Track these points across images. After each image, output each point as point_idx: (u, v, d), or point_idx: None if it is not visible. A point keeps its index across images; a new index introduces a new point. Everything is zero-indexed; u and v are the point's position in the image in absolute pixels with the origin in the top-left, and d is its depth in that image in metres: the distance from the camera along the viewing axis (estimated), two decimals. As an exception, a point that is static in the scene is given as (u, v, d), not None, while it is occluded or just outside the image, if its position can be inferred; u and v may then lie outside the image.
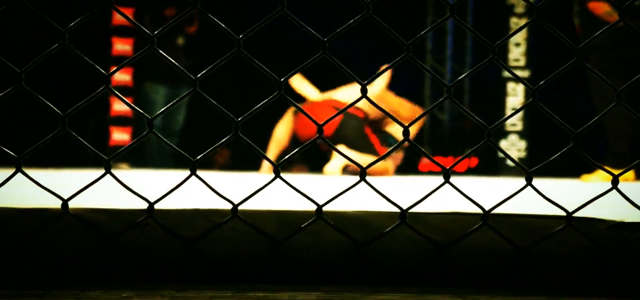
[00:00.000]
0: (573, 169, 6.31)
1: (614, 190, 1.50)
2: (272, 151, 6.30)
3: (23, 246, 1.35)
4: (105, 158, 1.35)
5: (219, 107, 1.42)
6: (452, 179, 1.46)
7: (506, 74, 8.07)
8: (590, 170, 5.88)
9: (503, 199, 1.47)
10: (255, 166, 6.39)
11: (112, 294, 1.23)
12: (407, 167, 7.11)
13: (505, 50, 7.98)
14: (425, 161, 8.22)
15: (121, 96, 1.49)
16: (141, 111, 1.50)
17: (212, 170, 6.19)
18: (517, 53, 8.07)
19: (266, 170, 6.03)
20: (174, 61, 1.43)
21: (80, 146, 1.41)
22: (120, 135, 7.75)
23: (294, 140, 6.31)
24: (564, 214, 1.46)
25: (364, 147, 6.14)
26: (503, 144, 8.01)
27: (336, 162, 6.13)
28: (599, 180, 5.67)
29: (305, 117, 6.74)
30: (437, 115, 9.23)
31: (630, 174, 5.64)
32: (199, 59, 6.90)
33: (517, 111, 1.60)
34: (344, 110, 1.61)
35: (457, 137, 8.87)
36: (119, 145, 7.55)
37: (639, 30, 1.53)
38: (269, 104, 1.42)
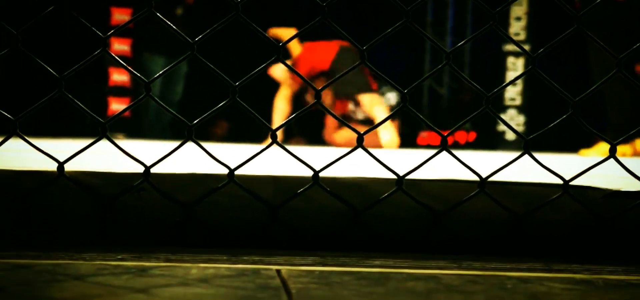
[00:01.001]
0: (572, 143, 6.31)
1: (611, 163, 1.50)
2: (275, 122, 6.30)
3: (19, 208, 1.35)
4: (102, 121, 1.35)
5: (217, 71, 1.41)
6: (452, 151, 1.45)
7: (506, 47, 8.05)
8: (589, 144, 5.90)
9: (500, 166, 1.47)
10: (254, 138, 6.38)
11: (107, 256, 1.23)
12: (406, 141, 7.11)
13: (506, 24, 7.96)
14: (423, 135, 8.21)
15: (119, 60, 1.48)
16: (139, 75, 1.49)
17: (211, 142, 6.18)
18: (517, 27, 8.04)
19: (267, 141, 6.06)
20: (170, 24, 1.42)
21: (78, 116, 1.41)
22: (118, 106, 7.74)
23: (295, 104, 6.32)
24: (561, 182, 1.45)
25: (358, 81, 6.18)
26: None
27: (388, 134, 6.17)
28: (597, 155, 5.70)
29: (306, 53, 6.70)
30: (437, 89, 9.21)
31: (629, 149, 5.68)
32: (197, 29, 6.88)
33: (517, 78, 1.59)
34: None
35: (456, 111, 8.86)
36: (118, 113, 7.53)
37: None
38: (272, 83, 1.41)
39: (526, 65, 7.68)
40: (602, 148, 5.85)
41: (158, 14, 1.39)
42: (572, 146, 6.30)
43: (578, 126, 1.52)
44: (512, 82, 1.54)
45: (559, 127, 1.53)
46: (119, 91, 7.79)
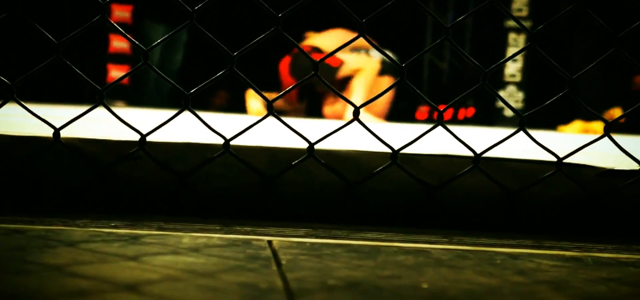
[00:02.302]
0: (566, 120, 6.33)
1: (606, 141, 1.50)
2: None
3: (14, 173, 1.35)
4: (99, 88, 1.35)
5: (215, 40, 1.41)
6: (449, 127, 1.46)
7: (508, 23, 8.03)
8: (567, 121, 6.03)
9: (495, 142, 1.47)
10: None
11: (101, 223, 1.24)
12: (404, 115, 7.11)
13: (508, 0, 7.94)
14: (422, 109, 8.21)
15: (118, 27, 1.48)
16: (137, 43, 1.49)
17: (209, 112, 6.18)
18: (520, 2, 8.02)
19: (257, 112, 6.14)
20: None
21: (77, 82, 1.41)
22: (117, 73, 7.73)
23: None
24: (555, 160, 1.46)
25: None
26: (501, 94, 7.98)
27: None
28: (574, 131, 5.85)
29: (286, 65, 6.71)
30: (437, 64, 9.19)
31: (600, 125, 5.84)
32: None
33: (515, 54, 1.58)
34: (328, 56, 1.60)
35: (456, 87, 8.85)
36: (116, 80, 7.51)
37: None
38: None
39: (526, 41, 7.66)
40: (577, 125, 6.02)
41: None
42: (566, 123, 6.32)
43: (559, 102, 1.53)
44: (510, 59, 1.53)
45: (556, 104, 1.53)
46: (119, 58, 7.78)
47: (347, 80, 6.37)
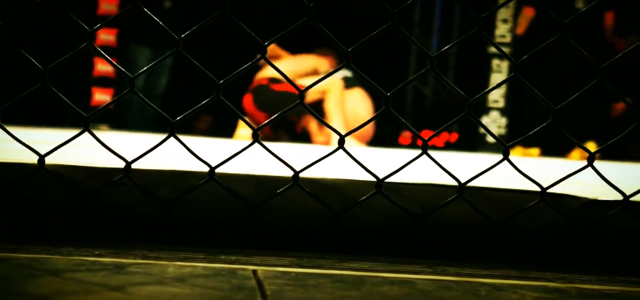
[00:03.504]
0: (553, 148, 6.38)
1: (588, 170, 1.51)
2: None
3: (-2, 200, 1.35)
4: (84, 115, 1.35)
5: (201, 68, 1.41)
6: (432, 153, 1.46)
7: (491, 50, 8.08)
8: (531, 145, 6.17)
9: (479, 172, 1.48)
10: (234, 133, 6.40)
11: (85, 251, 1.23)
12: (388, 140, 7.12)
13: (492, 27, 7.98)
14: (405, 134, 8.23)
15: (103, 54, 1.48)
16: (123, 69, 1.49)
17: (193, 136, 6.18)
18: (503, 29, 8.07)
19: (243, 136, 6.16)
20: (157, 20, 1.42)
21: (61, 107, 1.41)
22: (102, 97, 7.71)
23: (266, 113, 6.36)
24: (538, 189, 1.47)
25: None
26: (485, 120, 8.02)
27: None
28: (533, 156, 6.02)
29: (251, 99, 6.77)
30: (421, 90, 9.23)
31: (535, 150, 6.05)
32: (184, 23, 6.86)
33: (500, 84, 1.59)
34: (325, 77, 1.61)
35: (439, 112, 8.88)
36: (100, 106, 7.50)
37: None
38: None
39: (510, 69, 7.71)
40: (535, 151, 6.20)
41: (145, 9, 1.39)
42: (554, 150, 6.36)
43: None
44: (495, 89, 1.54)
45: (541, 132, 1.54)
46: (103, 81, 7.76)
47: (315, 105, 6.36)
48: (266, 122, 1.55)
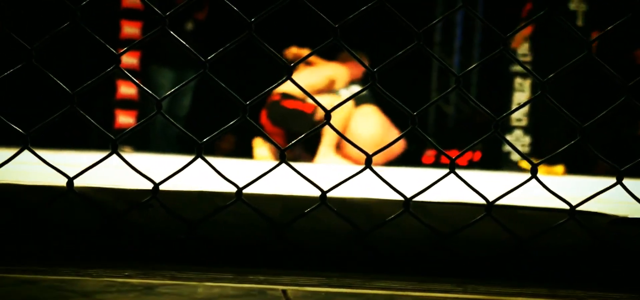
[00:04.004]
0: (579, 165, 6.36)
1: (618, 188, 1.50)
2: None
3: (27, 222, 1.36)
4: (113, 137, 1.35)
5: (228, 89, 1.42)
6: (460, 174, 1.46)
7: (514, 68, 8.05)
8: (555, 163, 6.16)
9: (507, 190, 1.47)
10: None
11: (113, 273, 1.24)
12: (411, 159, 7.11)
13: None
14: (428, 153, 8.21)
15: (130, 76, 1.48)
16: (149, 91, 1.50)
17: (218, 157, 6.20)
18: (525, 48, 8.05)
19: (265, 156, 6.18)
20: (184, 42, 1.42)
21: (84, 129, 1.42)
22: (125, 119, 7.76)
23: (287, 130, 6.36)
24: (567, 207, 1.46)
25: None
26: (508, 138, 7.98)
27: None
28: (558, 173, 6.02)
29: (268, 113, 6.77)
30: (443, 109, 9.21)
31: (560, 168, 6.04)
32: (207, 45, 6.89)
33: (526, 103, 1.59)
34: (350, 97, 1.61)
35: (462, 131, 8.85)
36: (123, 129, 7.54)
37: None
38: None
39: (533, 87, 7.69)
40: (559, 169, 6.19)
41: (171, 32, 1.39)
42: (578, 167, 6.33)
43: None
44: (522, 107, 1.54)
45: (568, 150, 1.53)
46: (127, 104, 7.81)
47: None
48: (293, 142, 1.55)
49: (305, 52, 6.32)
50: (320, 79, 6.50)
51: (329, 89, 6.49)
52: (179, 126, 1.48)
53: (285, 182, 1.77)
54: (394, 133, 6.50)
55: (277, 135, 6.41)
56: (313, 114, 6.36)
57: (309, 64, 6.49)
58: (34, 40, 1.34)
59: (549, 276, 1.43)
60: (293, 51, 6.31)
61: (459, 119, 9.15)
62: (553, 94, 1.46)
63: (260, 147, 6.42)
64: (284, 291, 1.15)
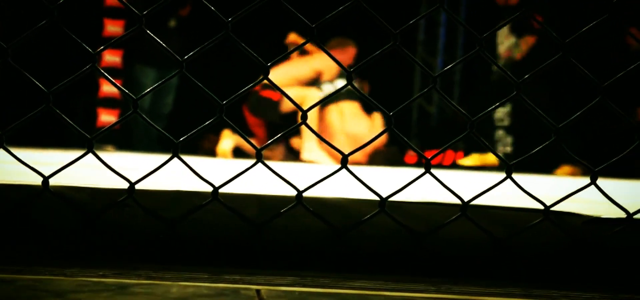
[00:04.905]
0: (553, 165, 6.40)
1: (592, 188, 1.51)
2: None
3: (4, 221, 1.35)
4: (88, 136, 1.35)
5: (204, 89, 1.42)
6: (437, 172, 1.46)
7: (495, 67, 8.08)
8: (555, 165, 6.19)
9: (482, 190, 1.48)
10: (240, 153, 6.41)
11: (88, 272, 1.24)
12: (393, 159, 7.11)
13: (494, 46, 7.98)
14: (411, 153, 8.22)
15: (108, 76, 1.48)
16: (127, 91, 1.50)
17: (200, 156, 6.19)
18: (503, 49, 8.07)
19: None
20: (161, 42, 1.42)
21: (65, 128, 1.41)
22: (107, 117, 7.73)
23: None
24: (542, 207, 1.47)
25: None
26: (490, 138, 8.01)
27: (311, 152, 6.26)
28: (472, 162, 6.08)
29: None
30: (425, 108, 9.23)
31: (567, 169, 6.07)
32: (190, 42, 6.87)
33: (500, 103, 1.60)
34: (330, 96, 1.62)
35: (444, 131, 8.87)
36: (106, 127, 7.49)
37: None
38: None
39: (512, 90, 7.71)
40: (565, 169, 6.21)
41: (149, 32, 1.39)
42: (554, 167, 6.38)
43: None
44: (496, 108, 1.55)
45: (544, 150, 1.54)
46: (109, 103, 7.78)
47: (292, 115, 6.31)
48: (269, 142, 1.56)
49: (301, 40, 6.31)
50: (307, 71, 6.49)
51: (315, 81, 6.48)
52: (156, 126, 1.48)
53: (263, 181, 1.78)
54: (377, 131, 6.49)
55: (257, 126, 6.41)
56: (279, 102, 6.37)
57: (305, 53, 6.48)
58: (14, 39, 1.34)
59: (525, 276, 1.44)
60: (292, 38, 6.31)
61: (441, 118, 9.17)
62: (552, 94, 1.47)
63: (227, 138, 6.40)
64: (257, 291, 1.15)
